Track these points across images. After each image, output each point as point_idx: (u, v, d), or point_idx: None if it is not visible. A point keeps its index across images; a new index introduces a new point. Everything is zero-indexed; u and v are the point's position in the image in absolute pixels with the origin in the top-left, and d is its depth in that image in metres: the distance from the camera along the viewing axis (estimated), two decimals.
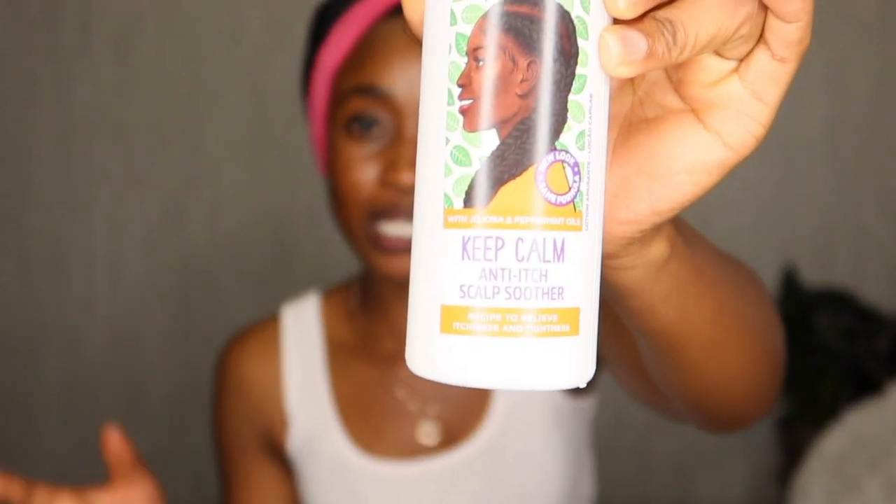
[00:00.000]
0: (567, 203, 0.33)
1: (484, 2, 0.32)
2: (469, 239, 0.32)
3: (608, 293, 0.45)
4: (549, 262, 0.32)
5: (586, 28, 0.33)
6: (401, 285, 0.87)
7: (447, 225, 0.33)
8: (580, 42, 0.33)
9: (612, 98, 0.40)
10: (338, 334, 0.93)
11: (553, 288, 0.32)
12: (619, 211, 0.38)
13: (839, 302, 2.65)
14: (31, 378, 2.95)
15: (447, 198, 0.33)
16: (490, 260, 0.32)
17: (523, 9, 0.32)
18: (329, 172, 0.83)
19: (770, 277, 2.86)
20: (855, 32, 2.82)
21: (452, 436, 0.88)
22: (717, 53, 0.37)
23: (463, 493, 0.86)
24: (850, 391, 2.51)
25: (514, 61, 0.32)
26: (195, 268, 2.92)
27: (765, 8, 0.36)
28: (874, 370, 2.52)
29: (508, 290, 0.32)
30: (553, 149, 0.32)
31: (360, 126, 0.80)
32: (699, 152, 0.37)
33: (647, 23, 0.33)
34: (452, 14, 0.33)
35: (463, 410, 0.88)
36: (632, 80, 0.40)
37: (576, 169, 0.33)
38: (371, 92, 0.79)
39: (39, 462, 2.96)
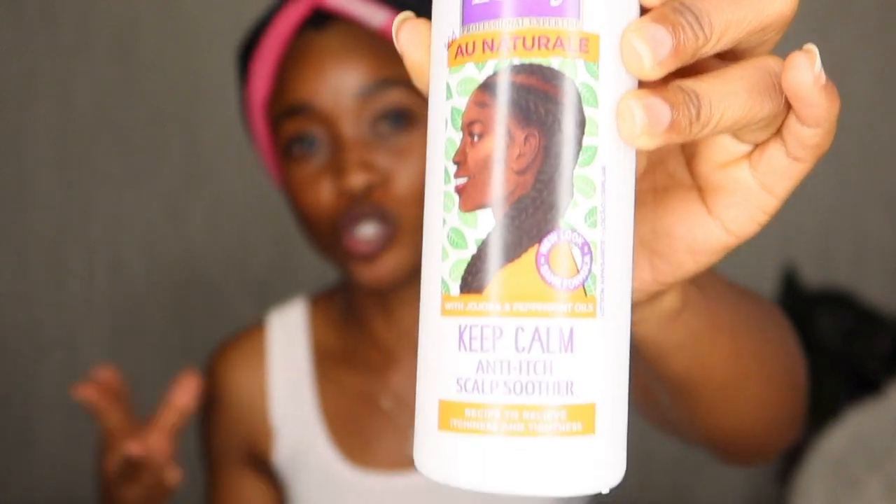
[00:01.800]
0: (576, 287, 0.29)
1: (479, 73, 0.30)
2: (466, 328, 0.30)
3: None
4: (554, 352, 0.29)
5: (594, 95, 0.30)
6: (381, 296, 0.86)
7: (444, 312, 0.30)
8: (587, 110, 0.30)
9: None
10: (324, 343, 0.91)
11: (560, 382, 0.29)
12: None
13: (839, 302, 2.64)
14: (30, 378, 2.95)
15: (444, 283, 0.31)
16: (487, 351, 0.29)
17: (520, 78, 0.29)
18: (288, 198, 0.82)
19: (770, 277, 2.86)
20: (855, 32, 2.82)
21: None
22: (733, 135, 0.35)
23: None
24: (850, 391, 2.51)
25: (510, 135, 0.29)
26: (195, 268, 2.92)
27: (788, 105, 0.34)
28: (874, 370, 2.51)
29: (508, 385, 0.29)
30: (557, 228, 0.29)
31: (300, 147, 0.79)
32: (700, 235, 0.36)
33: (673, 92, 0.30)
34: (448, 87, 0.31)
35: None
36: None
37: (585, 249, 0.30)
38: (298, 111, 0.78)
39: (39, 462, 2.96)
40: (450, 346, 0.30)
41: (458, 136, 0.30)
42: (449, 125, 0.31)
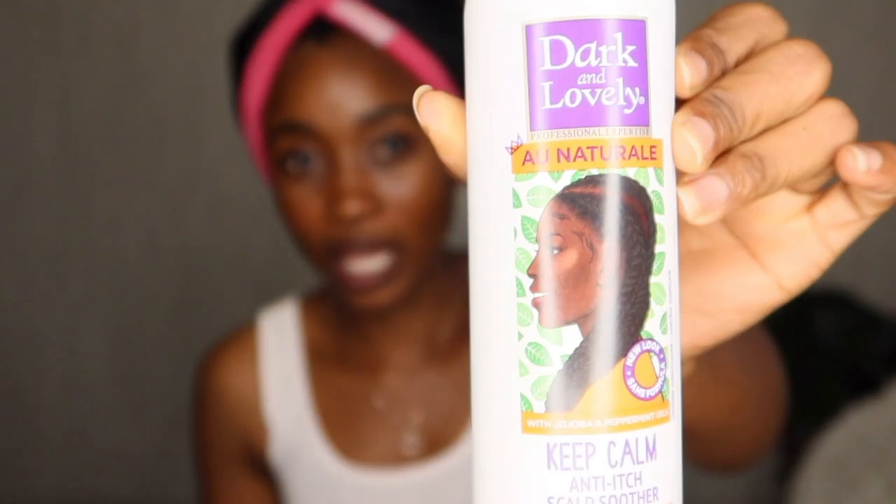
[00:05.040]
0: (656, 395, 0.30)
1: (554, 183, 0.29)
2: (555, 446, 0.29)
3: None
4: (642, 462, 0.29)
5: (662, 202, 0.30)
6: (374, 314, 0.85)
7: (526, 430, 0.29)
8: (657, 218, 0.30)
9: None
10: (316, 341, 0.91)
11: (648, 490, 0.29)
12: None
13: (839, 302, 2.64)
14: (31, 378, 2.95)
15: (525, 400, 0.29)
16: (581, 469, 0.29)
17: (598, 190, 0.29)
18: (278, 211, 0.81)
19: None
20: (855, 32, 2.82)
21: (436, 445, 0.86)
22: (791, 187, 0.34)
23: (448, 503, 0.86)
24: (850, 391, 2.51)
25: (591, 248, 0.29)
26: (195, 268, 2.92)
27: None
28: (874, 370, 2.51)
29: (603, 500, 0.29)
30: (639, 339, 0.29)
31: (294, 164, 0.77)
32: (753, 293, 0.35)
33: (734, 161, 0.30)
34: (515, 194, 0.29)
35: (446, 419, 0.87)
36: None
37: (661, 356, 0.30)
38: (294, 128, 0.76)
39: (39, 462, 2.96)
40: (537, 465, 0.29)
41: (532, 248, 0.29)
42: (520, 235, 0.30)
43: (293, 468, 0.89)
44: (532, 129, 0.29)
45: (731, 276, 0.35)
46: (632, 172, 0.29)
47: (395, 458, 0.86)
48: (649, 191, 0.30)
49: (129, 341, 2.93)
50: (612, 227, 0.29)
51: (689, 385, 0.43)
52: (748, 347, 0.52)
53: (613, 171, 0.29)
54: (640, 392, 0.29)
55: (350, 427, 0.87)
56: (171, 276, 2.92)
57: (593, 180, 0.29)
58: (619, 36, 0.29)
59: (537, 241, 0.29)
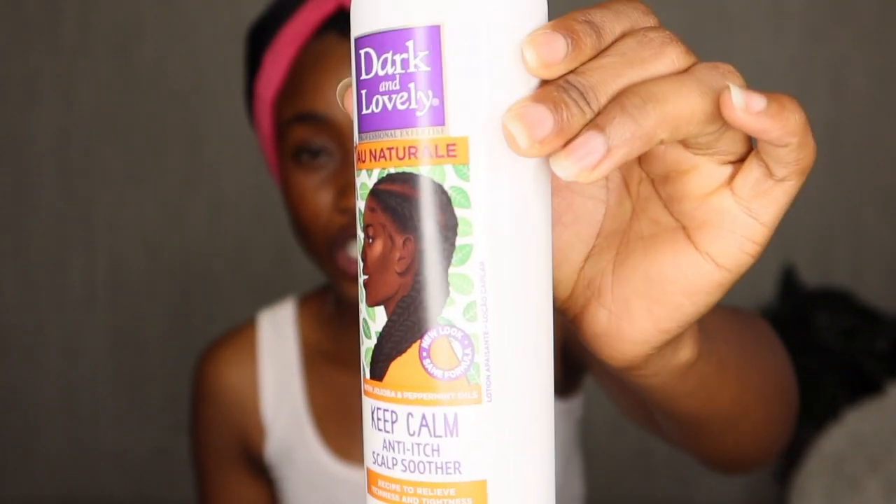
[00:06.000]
0: (458, 377, 0.32)
1: (369, 180, 0.33)
2: (375, 409, 0.33)
3: (630, 385, 0.44)
4: (440, 437, 0.32)
5: (466, 196, 0.32)
6: None
7: (364, 392, 0.34)
8: (459, 212, 0.32)
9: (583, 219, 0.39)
10: (313, 341, 0.91)
11: (447, 463, 0.32)
12: (626, 331, 0.37)
13: (838, 302, 2.64)
14: (31, 378, 2.95)
15: (363, 368, 0.34)
16: (388, 432, 0.33)
17: (395, 186, 0.32)
18: (286, 201, 0.81)
19: (769, 277, 2.86)
20: (855, 32, 2.82)
21: None
22: (686, 145, 0.34)
23: None
24: (849, 391, 2.51)
25: (392, 239, 0.32)
26: (195, 268, 2.92)
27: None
28: (874, 370, 2.51)
29: (405, 463, 0.33)
30: (435, 324, 0.32)
31: (307, 155, 0.77)
32: (693, 275, 0.35)
33: (559, 93, 0.30)
34: (357, 189, 0.34)
35: None
36: (629, 194, 0.38)
37: (465, 342, 0.32)
38: (311, 119, 0.76)
39: (39, 462, 2.96)
40: (368, 422, 0.34)
41: (361, 236, 0.34)
42: (358, 223, 0.34)
43: (289, 466, 0.89)
44: (359, 131, 0.33)
45: (671, 259, 0.36)
46: (425, 170, 0.32)
47: None
48: (446, 186, 0.31)
49: (129, 341, 2.94)
50: (405, 220, 0.32)
51: (693, 374, 0.43)
52: (753, 341, 0.52)
53: (407, 169, 0.32)
54: (437, 372, 0.32)
55: (345, 425, 0.88)
56: (171, 276, 2.92)
57: (391, 178, 0.32)
58: (410, 44, 0.31)
59: (363, 230, 0.33)
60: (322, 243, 0.78)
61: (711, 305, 0.36)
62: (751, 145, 0.35)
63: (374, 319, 0.33)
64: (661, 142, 0.31)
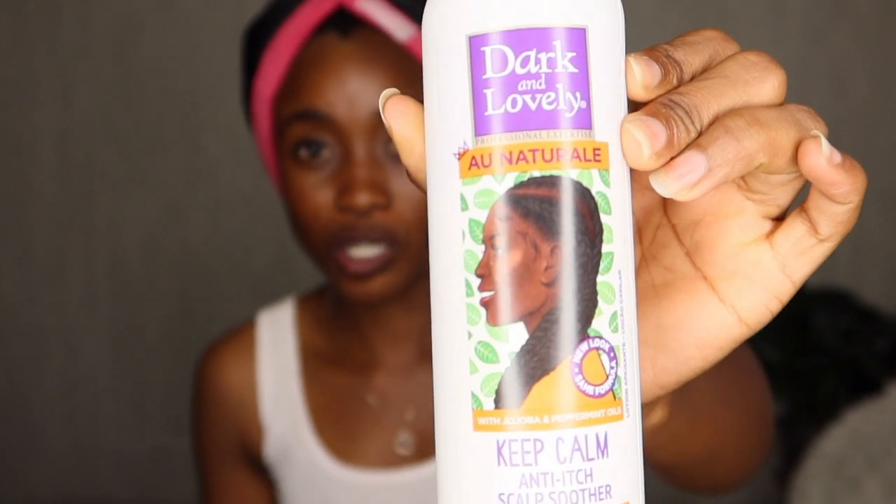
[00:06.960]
0: (606, 393, 0.30)
1: (498, 185, 0.30)
2: (504, 442, 0.30)
3: None
4: (593, 459, 0.30)
5: (608, 203, 0.31)
6: (371, 306, 0.86)
7: (477, 427, 0.30)
8: (604, 218, 0.30)
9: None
10: (312, 342, 0.91)
11: (600, 488, 0.30)
12: None
13: (839, 302, 2.65)
14: (31, 378, 2.95)
15: (475, 398, 0.30)
16: (529, 465, 0.29)
17: (541, 191, 0.30)
18: (284, 199, 0.81)
19: None
20: (855, 32, 2.82)
21: (429, 445, 0.86)
22: (746, 185, 0.34)
23: None
24: (849, 391, 2.51)
25: (535, 247, 0.30)
26: (195, 268, 2.92)
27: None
28: (874, 370, 2.52)
29: (553, 497, 0.29)
30: (586, 337, 0.30)
31: (307, 152, 0.77)
32: (711, 326, 0.34)
33: (672, 113, 0.31)
34: (462, 198, 0.31)
35: None
36: (639, 241, 0.38)
37: (611, 354, 0.30)
38: (311, 117, 0.76)
39: (39, 462, 2.96)
40: (487, 462, 0.30)
41: (479, 249, 0.30)
42: (467, 237, 0.31)
43: (287, 467, 0.89)
44: (476, 134, 0.30)
45: (690, 308, 0.35)
46: (574, 174, 0.30)
47: (389, 458, 0.87)
48: (593, 191, 0.30)
49: (129, 341, 2.94)
50: (554, 226, 0.30)
51: (663, 431, 0.42)
52: (732, 378, 0.51)
53: (555, 172, 0.30)
54: (589, 389, 0.30)
55: (344, 426, 0.88)
56: (172, 276, 2.92)
57: (535, 181, 0.30)
58: (558, 44, 0.30)
59: (483, 242, 0.30)
60: (322, 242, 0.78)
61: (716, 362, 0.35)
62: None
63: (504, 340, 0.30)
64: (759, 167, 0.31)
